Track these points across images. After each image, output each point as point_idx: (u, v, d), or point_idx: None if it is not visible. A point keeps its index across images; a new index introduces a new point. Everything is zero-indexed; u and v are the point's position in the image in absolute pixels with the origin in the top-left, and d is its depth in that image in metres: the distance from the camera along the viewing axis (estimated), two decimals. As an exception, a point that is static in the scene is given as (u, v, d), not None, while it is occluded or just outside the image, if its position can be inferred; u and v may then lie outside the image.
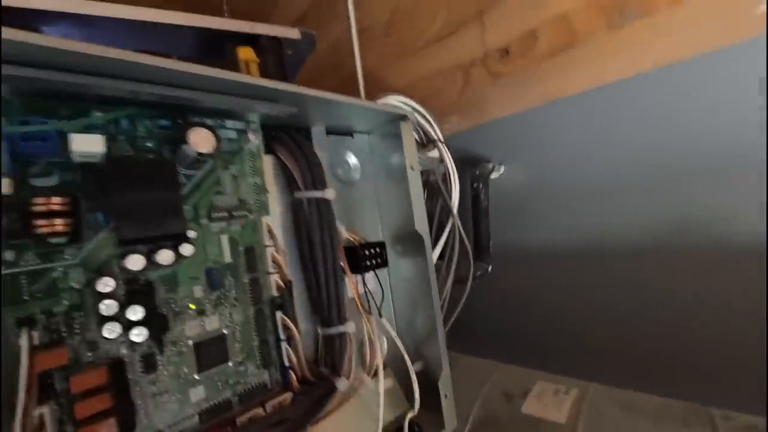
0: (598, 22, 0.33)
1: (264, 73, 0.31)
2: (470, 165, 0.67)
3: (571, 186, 0.57)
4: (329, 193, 0.30)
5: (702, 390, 0.43)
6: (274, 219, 0.30)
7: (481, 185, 0.67)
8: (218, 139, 0.23)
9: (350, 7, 0.41)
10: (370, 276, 0.36)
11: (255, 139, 0.27)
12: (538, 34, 0.37)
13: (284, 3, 0.62)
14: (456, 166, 0.69)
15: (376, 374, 0.33)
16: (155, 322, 0.21)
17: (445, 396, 0.33)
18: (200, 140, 0.22)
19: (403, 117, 0.33)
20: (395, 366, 0.36)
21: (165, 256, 0.21)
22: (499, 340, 0.69)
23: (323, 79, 0.57)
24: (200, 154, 0.22)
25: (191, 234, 0.23)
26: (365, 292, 0.34)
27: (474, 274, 0.67)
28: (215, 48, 0.30)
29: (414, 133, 0.43)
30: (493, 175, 0.67)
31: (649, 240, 0.50)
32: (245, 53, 0.30)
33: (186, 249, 0.22)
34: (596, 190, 0.54)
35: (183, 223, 0.22)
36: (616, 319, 0.55)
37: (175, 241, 0.22)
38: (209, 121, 0.25)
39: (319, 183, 0.29)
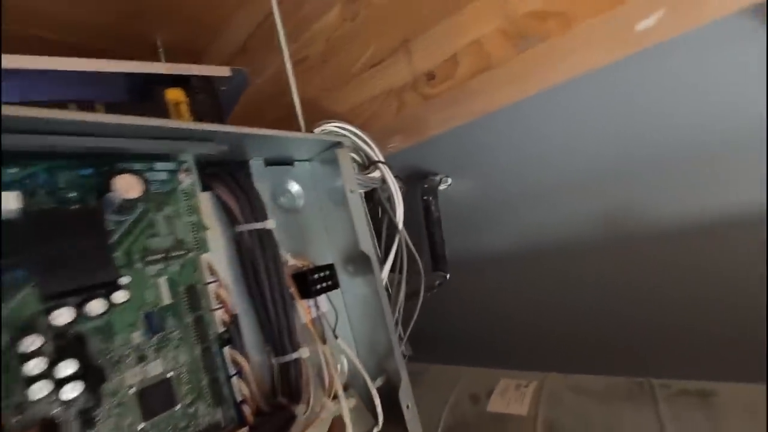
0: (506, 47, 0.37)
1: (196, 112, 0.32)
2: (419, 179, 0.70)
3: (516, 190, 0.61)
4: (270, 224, 0.30)
5: (643, 365, 0.47)
6: (218, 254, 0.30)
7: (431, 197, 0.70)
8: (146, 182, 0.23)
9: (282, 40, 0.43)
10: (323, 299, 0.36)
11: (188, 179, 0.27)
12: (458, 59, 0.41)
13: (223, 36, 0.63)
14: (405, 181, 0.72)
15: (336, 396, 0.34)
16: (91, 375, 0.21)
17: (407, 406, 0.34)
18: (126, 186, 0.22)
19: (338, 144, 0.35)
20: (358, 384, 0.36)
21: (95, 307, 0.21)
22: (463, 345, 0.72)
23: (268, 108, 0.58)
24: (126, 200, 0.22)
25: (123, 280, 0.23)
26: (318, 315, 0.35)
27: (432, 283, 0.69)
28: (144, 91, 0.30)
29: (355, 155, 0.45)
30: (442, 187, 0.71)
31: (587, 235, 0.55)
32: (173, 94, 0.31)
33: (118, 296, 0.22)
34: (539, 192, 0.58)
35: (113, 270, 0.22)
36: (567, 311, 0.58)
37: (105, 289, 0.22)
38: (137, 166, 0.25)
39: (259, 215, 0.30)
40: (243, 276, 0.30)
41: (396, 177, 0.72)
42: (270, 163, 0.36)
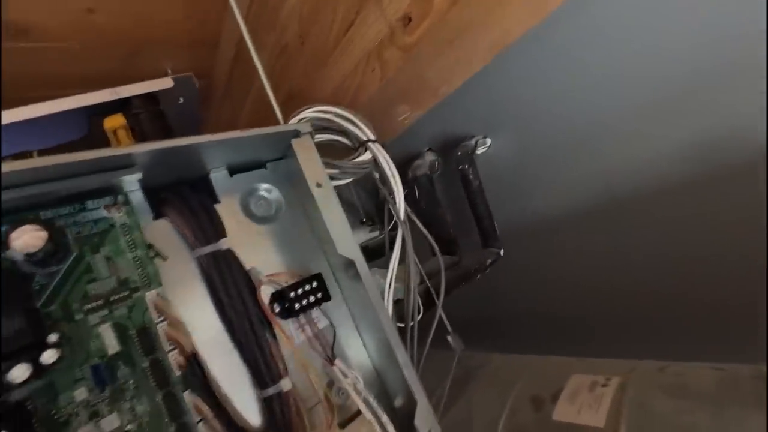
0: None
1: (140, 134, 0.30)
2: (451, 147, 0.61)
3: (564, 137, 0.49)
4: (224, 243, 0.27)
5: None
6: (183, 284, 0.27)
7: (467, 165, 0.60)
8: (50, 228, 0.21)
9: (246, 36, 0.38)
10: (319, 314, 0.32)
11: (120, 213, 0.25)
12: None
13: (219, 48, 0.62)
14: (440, 153, 0.63)
15: (346, 425, 0.29)
16: (20, 448, 0.19)
17: (428, 432, 0.28)
18: (25, 241, 0.20)
19: (296, 133, 0.30)
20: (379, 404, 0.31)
21: (17, 374, 0.19)
22: (529, 328, 0.61)
23: (264, 109, 0.55)
24: (29, 254, 0.20)
25: (52, 338, 0.21)
26: (314, 334, 0.31)
27: (484, 262, 0.60)
28: (83, 125, 0.29)
29: (344, 139, 0.39)
30: (480, 150, 0.60)
31: (664, 172, 0.40)
32: (111, 122, 0.28)
33: (48, 356, 0.20)
34: (592, 133, 0.45)
35: (34, 331, 0.20)
36: (652, 275, 0.44)
37: (30, 353, 0.20)
38: (61, 209, 0.23)
39: (211, 235, 0.27)
40: (214, 303, 0.27)
41: (429, 150, 0.64)
42: (235, 170, 0.32)
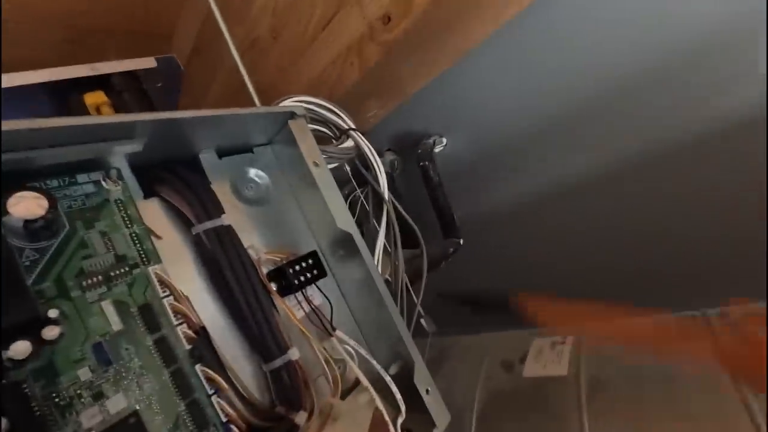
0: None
1: (122, 112, 0.28)
2: (412, 145, 0.65)
3: (516, 134, 0.55)
4: (226, 219, 0.27)
5: (689, 295, 0.41)
6: (180, 263, 0.27)
7: (427, 162, 0.64)
8: (51, 198, 0.20)
9: (221, 24, 0.38)
10: (314, 291, 0.33)
11: (117, 187, 0.24)
12: (411, -9, 0.35)
13: (178, 34, 0.59)
14: (399, 152, 0.66)
15: (345, 395, 0.30)
16: (22, 429, 0.18)
17: (427, 391, 0.30)
18: (24, 208, 0.19)
19: (292, 115, 0.31)
20: (374, 374, 0.33)
21: (19, 349, 0.18)
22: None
23: (235, 98, 0.54)
24: (28, 221, 0.19)
25: (51, 314, 0.20)
26: (312, 309, 0.31)
27: (446, 251, 0.64)
28: (64, 101, 0.27)
29: (324, 129, 0.41)
30: (437, 149, 0.65)
31: (607, 165, 0.48)
32: (92, 98, 0.27)
33: (49, 332, 0.19)
34: (542, 130, 0.52)
35: (30, 305, 0.18)
36: (594, 251, 0.52)
37: (30, 328, 0.19)
38: (49, 182, 0.22)
39: (213, 211, 0.26)
40: (211, 282, 0.27)
41: (389, 150, 0.67)
42: (224, 153, 0.32)
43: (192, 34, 0.55)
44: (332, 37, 0.41)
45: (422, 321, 0.52)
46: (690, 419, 0.30)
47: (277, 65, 0.48)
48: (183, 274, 0.27)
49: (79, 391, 0.20)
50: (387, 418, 0.23)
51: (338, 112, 0.39)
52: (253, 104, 0.37)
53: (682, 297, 0.42)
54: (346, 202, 0.41)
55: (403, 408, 0.29)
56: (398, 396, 0.29)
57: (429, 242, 0.66)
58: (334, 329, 0.30)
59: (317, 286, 0.32)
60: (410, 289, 0.49)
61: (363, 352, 0.30)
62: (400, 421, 0.29)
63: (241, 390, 0.25)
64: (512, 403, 0.39)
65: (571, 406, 0.35)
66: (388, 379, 0.29)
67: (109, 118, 0.21)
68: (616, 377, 0.35)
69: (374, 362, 0.29)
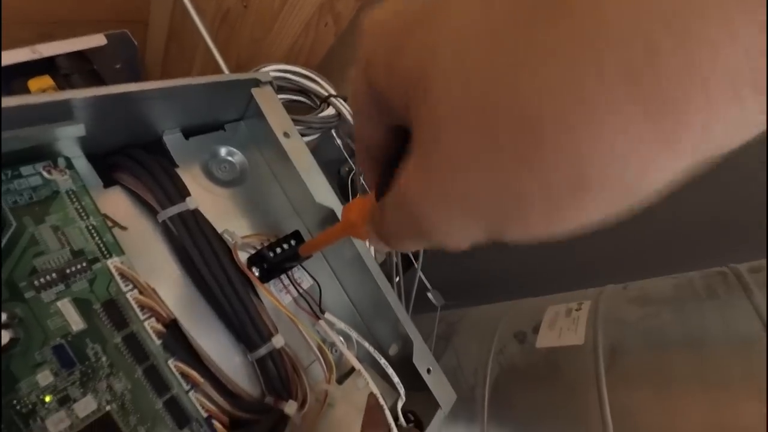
0: None
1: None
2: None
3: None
4: (191, 203, 0.25)
5: (719, 251, 0.37)
6: (154, 254, 0.25)
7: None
8: (-21, 192, 0.18)
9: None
10: (302, 273, 0.31)
11: (65, 177, 0.22)
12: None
13: (153, 19, 0.56)
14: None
15: (343, 380, 0.29)
16: (-24, 442, 0.17)
17: (428, 371, 0.28)
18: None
19: (255, 82, 0.28)
20: (370, 357, 0.31)
21: (-39, 359, 0.16)
22: (501, 279, 0.64)
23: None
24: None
25: (2, 317, 0.18)
26: (300, 294, 0.29)
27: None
28: (6, 90, 0.25)
29: (303, 98, 0.38)
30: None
31: None
32: (37, 83, 0.25)
33: (2, 336, 0.18)
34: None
35: (-29, 310, 0.17)
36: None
37: (-27, 334, 0.17)
38: (-12, 176, 0.20)
39: (175, 195, 0.24)
40: (185, 270, 0.25)
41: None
42: (192, 133, 0.29)
43: (166, 16, 0.52)
44: (302, -2, 0.37)
45: (429, 295, 0.50)
46: (721, 388, 0.27)
47: (251, 37, 0.45)
48: (156, 265, 0.25)
49: (41, 397, 0.19)
50: (382, 401, 0.22)
51: (317, 78, 0.36)
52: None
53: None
54: (347, 180, 0.38)
55: (401, 391, 0.27)
56: (395, 379, 0.27)
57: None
58: (323, 312, 0.28)
59: (304, 268, 0.30)
60: (415, 262, 0.47)
61: (354, 334, 0.28)
62: (400, 404, 0.27)
63: (225, 382, 0.24)
64: (526, 378, 0.37)
65: (589, 378, 0.32)
66: (383, 361, 0.27)
67: (37, 97, 0.19)
68: (637, 344, 0.32)
69: (367, 344, 0.28)
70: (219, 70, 0.44)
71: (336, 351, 0.30)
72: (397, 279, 0.37)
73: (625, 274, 0.48)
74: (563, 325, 0.38)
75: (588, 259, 0.54)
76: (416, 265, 0.48)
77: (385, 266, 0.45)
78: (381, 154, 0.14)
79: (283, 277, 0.29)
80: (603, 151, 0.07)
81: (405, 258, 0.49)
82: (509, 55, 0.08)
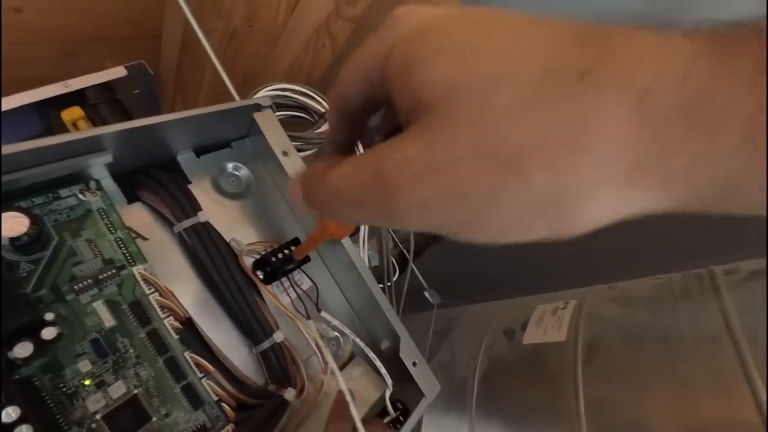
0: None
1: (103, 124, 0.30)
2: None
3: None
4: (203, 216, 0.28)
5: (700, 252, 0.38)
6: (172, 261, 0.29)
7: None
8: (30, 215, 0.22)
9: (190, 18, 0.39)
10: (302, 276, 0.34)
11: (96, 197, 0.26)
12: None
13: (166, 34, 0.60)
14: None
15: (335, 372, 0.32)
16: (36, 416, 0.21)
17: (414, 364, 0.31)
18: (9, 227, 0.21)
19: (258, 107, 0.31)
20: (364, 352, 0.34)
21: (21, 350, 0.20)
22: (495, 279, 0.66)
23: (221, 98, 0.55)
24: (13, 239, 0.21)
25: (49, 316, 0.22)
26: (299, 295, 0.33)
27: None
28: (37, 123, 0.29)
29: (304, 114, 0.41)
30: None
31: None
32: (69, 114, 0.29)
33: (47, 333, 0.22)
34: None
35: (25, 311, 0.21)
36: None
37: (29, 331, 0.21)
38: (36, 199, 0.24)
39: (189, 210, 0.28)
40: (199, 275, 0.29)
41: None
42: (201, 151, 0.33)
43: (178, 32, 0.56)
44: (301, 20, 0.40)
45: (426, 294, 0.53)
46: (686, 383, 0.29)
47: (257, 53, 0.48)
48: (174, 270, 0.29)
49: (82, 381, 0.23)
50: (349, 397, 0.25)
51: (314, 95, 0.39)
52: (231, 98, 0.38)
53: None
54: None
55: (389, 381, 0.30)
56: (383, 371, 0.30)
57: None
58: (319, 311, 0.32)
59: (304, 272, 0.34)
60: (413, 263, 0.50)
61: (347, 330, 0.31)
62: (388, 393, 0.31)
63: (233, 371, 0.27)
64: (512, 371, 0.40)
65: (568, 371, 0.35)
66: (372, 355, 0.30)
67: (74, 135, 0.22)
68: (613, 340, 0.35)
69: (358, 339, 0.31)
70: (226, 86, 0.48)
71: (333, 344, 0.34)
72: (390, 282, 0.41)
73: (619, 273, 0.49)
74: (549, 322, 0.41)
75: (583, 260, 0.56)
76: (418, 274, 0.51)
77: (379, 271, 0.48)
78: (355, 113, 0.14)
79: (285, 279, 0.33)
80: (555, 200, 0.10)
81: (401, 256, 0.52)
82: (527, 111, 0.09)
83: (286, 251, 0.32)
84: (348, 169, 0.12)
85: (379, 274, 0.49)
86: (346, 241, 0.32)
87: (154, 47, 0.63)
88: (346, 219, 0.20)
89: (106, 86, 0.31)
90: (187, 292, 0.29)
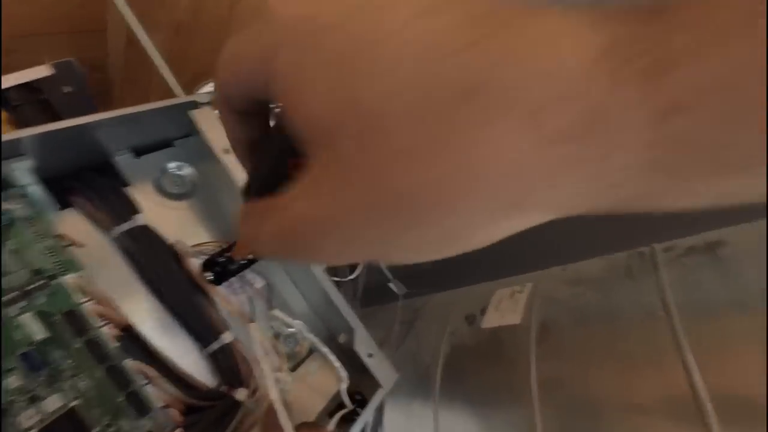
0: None
1: (25, 126, 0.28)
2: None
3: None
4: (140, 219, 0.27)
5: (644, 231, 0.40)
6: (107, 267, 0.28)
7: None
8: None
9: (124, 11, 0.37)
10: (255, 275, 0.34)
11: (18, 205, 0.24)
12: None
13: (110, 28, 0.57)
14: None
15: (296, 367, 0.32)
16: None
17: (369, 355, 0.32)
18: None
19: (194, 104, 0.30)
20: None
21: (-64, 370, 0.19)
22: (459, 266, 0.67)
23: (170, 94, 0.53)
24: None
25: (-30, 333, 0.21)
26: (251, 295, 0.32)
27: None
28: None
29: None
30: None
31: None
32: (-11, 117, 0.27)
33: (-32, 350, 0.21)
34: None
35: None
36: None
37: (-54, 349, 0.20)
38: (-51, 209, 0.23)
39: (124, 213, 0.27)
40: (142, 279, 0.28)
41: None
42: (141, 151, 0.32)
43: (122, 26, 0.53)
44: (248, 8, 0.39)
45: (390, 285, 0.53)
46: (628, 359, 0.30)
47: (204, 48, 0.46)
48: (116, 275, 0.28)
49: (11, 398, 0.22)
50: (279, 407, 0.25)
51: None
52: (171, 93, 0.37)
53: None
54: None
55: (343, 374, 0.31)
56: (336, 364, 0.30)
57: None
58: (271, 308, 0.32)
59: (256, 271, 0.33)
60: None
61: (299, 326, 0.31)
62: (343, 386, 0.31)
63: (181, 375, 0.27)
64: (473, 356, 0.41)
65: (523, 353, 0.36)
66: (324, 350, 0.30)
67: (-17, 140, 0.21)
68: (564, 320, 0.36)
69: (311, 335, 0.31)
70: (180, 75, 0.46)
71: (290, 341, 0.34)
72: (354, 275, 0.41)
73: (578, 254, 0.51)
74: (507, 306, 0.42)
75: (543, 243, 0.58)
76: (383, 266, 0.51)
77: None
78: (250, 110, 0.13)
79: (238, 278, 0.32)
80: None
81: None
82: (409, 154, 0.08)
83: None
84: (260, 221, 0.12)
85: (343, 268, 0.49)
86: (297, 238, 0.32)
87: (100, 43, 0.60)
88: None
89: (30, 87, 0.29)
90: (132, 297, 0.28)
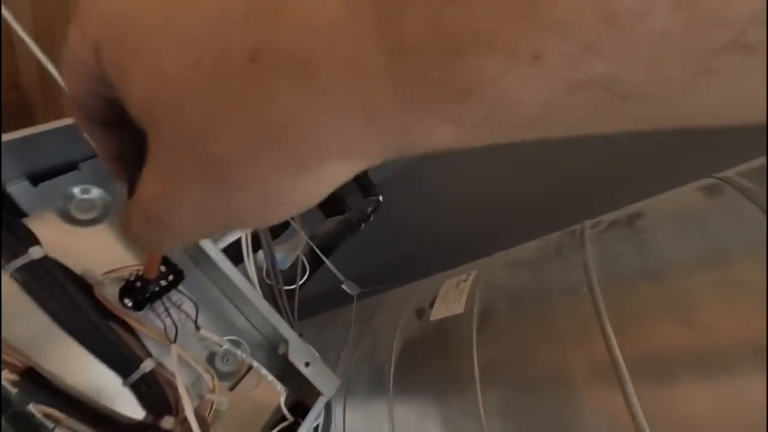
0: None
1: None
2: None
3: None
4: (36, 252, 0.26)
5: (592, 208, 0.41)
6: (9, 305, 0.26)
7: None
8: None
9: (15, 26, 0.34)
10: (179, 296, 0.32)
11: None
12: None
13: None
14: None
15: (234, 386, 0.31)
16: None
17: (306, 364, 0.31)
18: None
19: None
20: (263, 357, 0.34)
21: None
22: (411, 262, 0.68)
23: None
24: None
25: None
26: (179, 317, 0.31)
27: (365, 211, 0.64)
28: None
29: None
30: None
31: None
32: None
33: None
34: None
35: None
36: (501, 189, 0.52)
37: None
38: None
39: (18, 248, 0.25)
40: (47, 316, 0.27)
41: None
42: (40, 178, 0.30)
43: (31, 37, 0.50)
44: None
45: (344, 286, 0.53)
46: (558, 337, 0.31)
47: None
48: (22, 313, 0.26)
49: None
50: (195, 427, 0.24)
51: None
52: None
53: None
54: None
55: (279, 387, 0.30)
56: (270, 377, 0.30)
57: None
58: (198, 329, 0.31)
59: (182, 290, 0.32)
60: (327, 259, 0.49)
61: (227, 344, 0.30)
62: (282, 399, 0.30)
63: (99, 410, 0.25)
64: (422, 349, 0.41)
65: (465, 341, 0.36)
66: (256, 364, 0.30)
67: None
68: (501, 305, 0.36)
69: (239, 352, 0.30)
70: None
71: (228, 361, 0.33)
72: (303, 281, 0.40)
73: (524, 237, 0.52)
74: (452, 296, 0.42)
75: (493, 229, 0.59)
76: (332, 267, 0.51)
77: (293, 268, 0.47)
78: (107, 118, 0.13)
79: (166, 299, 0.31)
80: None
81: (313, 253, 0.51)
82: (212, 109, 0.09)
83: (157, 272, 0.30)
84: (131, 218, 0.12)
85: (291, 274, 0.48)
86: (218, 255, 0.31)
87: (9, 57, 0.56)
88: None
89: None
90: (40, 334, 0.26)
